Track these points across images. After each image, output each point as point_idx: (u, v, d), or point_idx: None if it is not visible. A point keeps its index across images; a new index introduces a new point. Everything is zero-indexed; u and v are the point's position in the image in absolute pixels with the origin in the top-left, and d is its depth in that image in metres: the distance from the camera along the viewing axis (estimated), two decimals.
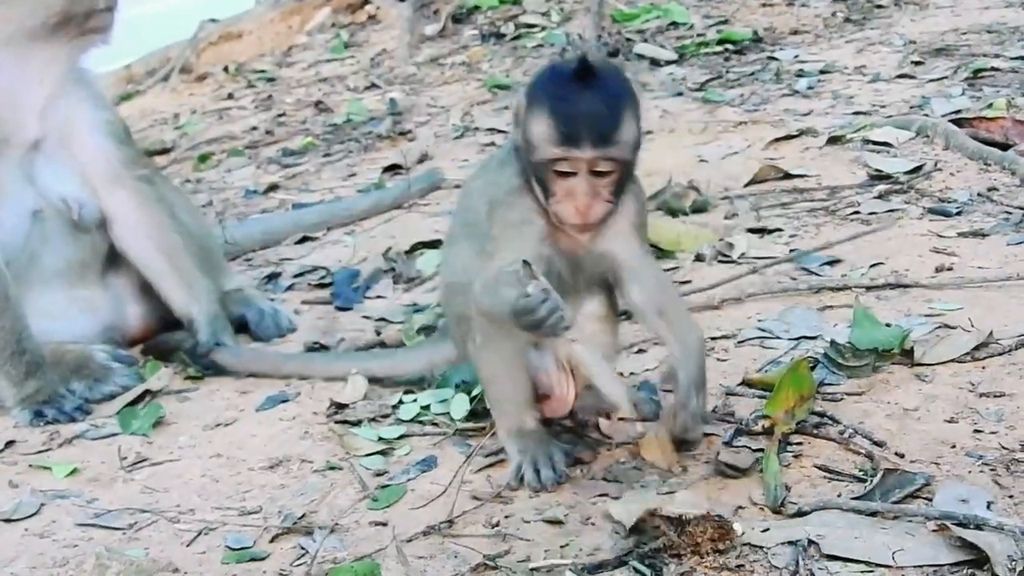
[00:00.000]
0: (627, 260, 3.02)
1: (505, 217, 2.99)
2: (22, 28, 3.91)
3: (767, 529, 2.66)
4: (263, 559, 2.84)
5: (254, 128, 7.98)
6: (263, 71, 9.76)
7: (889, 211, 4.57)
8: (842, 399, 3.22)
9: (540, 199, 2.93)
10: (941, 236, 4.27)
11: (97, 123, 4.10)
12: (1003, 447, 2.91)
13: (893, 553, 2.51)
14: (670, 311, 3.04)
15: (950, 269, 3.99)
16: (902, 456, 2.91)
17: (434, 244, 4.78)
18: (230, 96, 9.27)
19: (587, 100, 2.81)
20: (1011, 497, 2.70)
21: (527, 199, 2.97)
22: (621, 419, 3.15)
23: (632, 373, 3.54)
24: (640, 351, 3.72)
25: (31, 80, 3.98)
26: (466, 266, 3.14)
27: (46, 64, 3.99)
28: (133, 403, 3.79)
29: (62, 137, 4.04)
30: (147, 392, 3.85)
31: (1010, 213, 4.41)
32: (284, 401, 3.72)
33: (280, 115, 8.25)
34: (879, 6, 8.48)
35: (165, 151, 7.74)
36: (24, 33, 3.92)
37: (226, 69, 10.05)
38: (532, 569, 2.64)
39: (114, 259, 4.20)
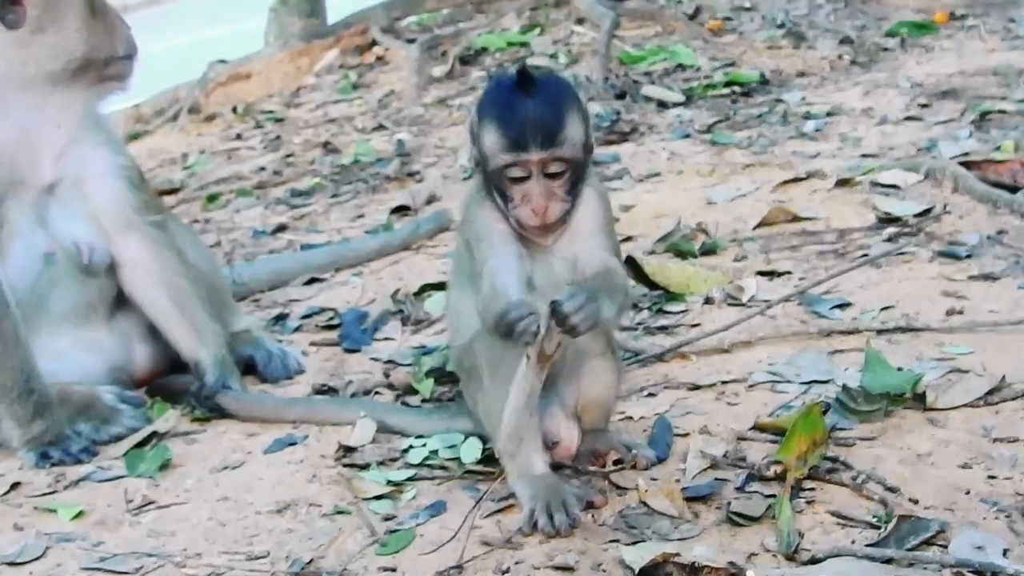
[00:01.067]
0: (588, 259, 3.08)
1: (477, 232, 3.09)
2: (41, 72, 3.91)
3: None
4: None
5: (262, 168, 7.98)
6: (271, 112, 9.78)
7: (899, 254, 4.54)
8: (854, 444, 3.19)
9: (501, 207, 3.04)
10: (951, 279, 4.25)
11: (113, 168, 4.08)
12: (1018, 493, 2.88)
13: None
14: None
15: (961, 312, 3.96)
16: (916, 502, 2.88)
17: (442, 286, 4.73)
18: (238, 136, 9.29)
19: (530, 105, 2.96)
20: None
21: (491, 210, 3.08)
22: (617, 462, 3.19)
23: (642, 417, 3.50)
24: (650, 395, 3.69)
25: (48, 124, 3.97)
26: (466, 318, 3.19)
27: (64, 108, 3.98)
28: (140, 445, 3.75)
29: (77, 181, 4.02)
30: (154, 434, 3.82)
31: (1020, 256, 4.39)
32: (292, 444, 3.68)
33: (288, 155, 8.25)
34: (885, 49, 8.49)
35: (173, 191, 7.74)
36: (43, 77, 3.92)
37: (235, 109, 10.07)
38: None
39: (121, 300, 4.18)
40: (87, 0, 3.94)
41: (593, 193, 3.13)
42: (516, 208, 3.00)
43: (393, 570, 2.89)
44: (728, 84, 8.04)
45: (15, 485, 3.59)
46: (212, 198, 7.35)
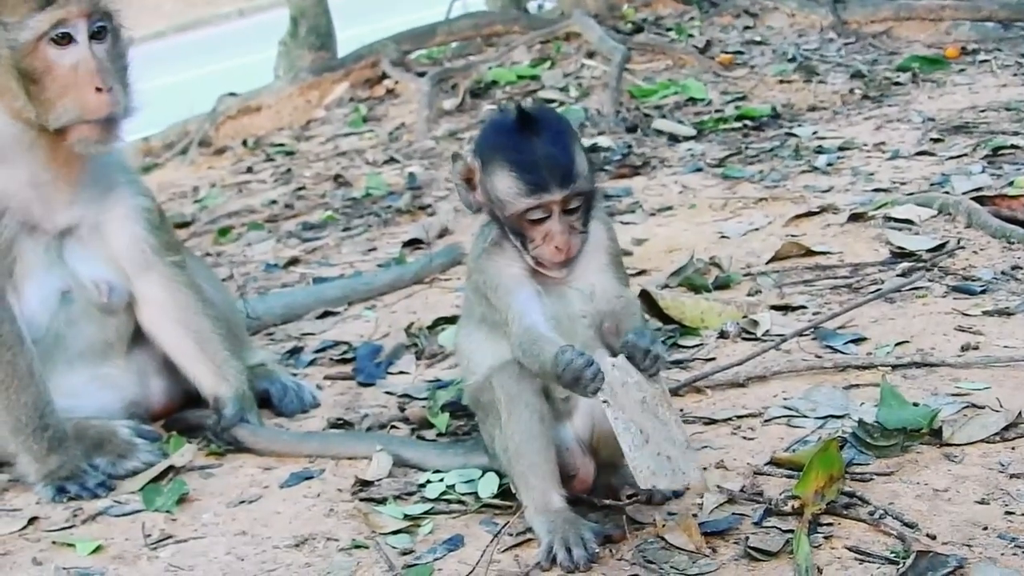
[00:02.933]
0: (603, 291, 3.14)
1: (491, 281, 3.12)
2: (36, 126, 3.87)
3: None
4: None
5: (273, 202, 8.02)
6: (282, 145, 9.83)
7: (913, 288, 4.56)
8: (871, 479, 3.21)
9: (518, 248, 3.08)
10: (966, 314, 4.26)
11: (132, 211, 4.09)
12: None
13: None
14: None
15: (976, 348, 3.98)
16: (934, 538, 2.90)
17: (455, 320, 4.76)
18: (249, 170, 9.34)
19: (540, 146, 3.00)
20: None
21: (501, 255, 3.12)
22: (632, 496, 3.21)
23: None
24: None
25: (58, 172, 3.95)
26: (479, 356, 3.23)
27: (71, 157, 3.94)
28: (156, 479, 3.78)
29: (96, 224, 4.04)
30: (170, 468, 3.85)
31: None
32: (308, 478, 3.71)
33: (299, 189, 8.29)
34: (896, 83, 8.52)
35: (185, 224, 7.79)
36: (40, 130, 3.88)
37: (245, 143, 10.13)
38: None
39: (138, 334, 4.20)
40: (18, 71, 3.78)
41: (599, 224, 3.18)
42: (537, 248, 3.04)
43: None
44: (739, 118, 8.08)
45: (33, 520, 3.61)
46: (224, 232, 7.39)
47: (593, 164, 3.12)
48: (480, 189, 3.12)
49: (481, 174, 3.09)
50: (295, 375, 4.57)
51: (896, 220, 5.33)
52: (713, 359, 4.23)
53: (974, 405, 3.55)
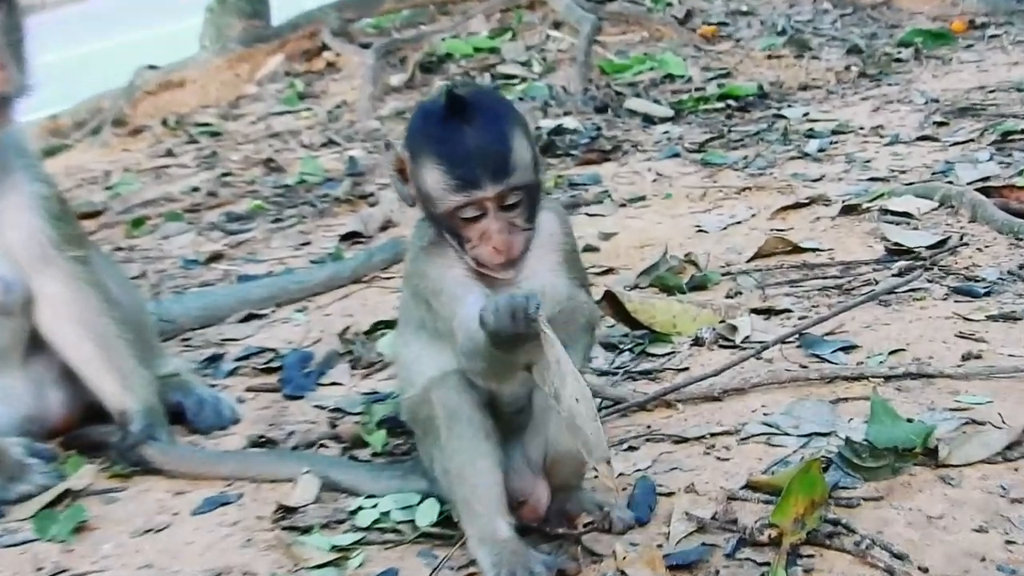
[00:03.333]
0: (552, 292, 3.08)
1: (431, 286, 3.10)
2: None
3: None
4: None
5: (195, 189, 8.00)
6: (207, 124, 9.81)
7: (910, 290, 4.58)
8: (858, 505, 3.21)
9: (455, 248, 3.04)
10: (968, 319, 4.28)
11: (30, 199, 4.06)
12: None
13: None
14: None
15: (978, 357, 3.99)
16: (926, 571, 2.90)
17: (396, 324, 4.77)
18: (169, 152, 9.30)
19: (471, 135, 2.95)
20: None
21: (441, 256, 3.09)
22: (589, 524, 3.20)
23: (621, 474, 3.52)
24: (630, 448, 3.71)
25: None
26: (417, 367, 3.22)
27: None
28: (52, 504, 3.73)
29: None
30: (68, 492, 3.80)
31: None
32: (225, 503, 3.68)
33: (225, 175, 8.27)
34: (897, 60, 8.58)
35: (94, 214, 7.72)
36: None
37: (165, 122, 10.09)
38: None
39: (35, 341, 4.17)
40: None
41: (552, 216, 3.16)
42: (475, 249, 3.01)
43: None
44: (722, 97, 8.12)
45: None
46: (138, 223, 7.35)
47: (537, 152, 3.08)
48: (412, 183, 3.09)
49: (411, 165, 3.07)
50: (213, 386, 4.55)
51: (893, 213, 5.37)
52: (686, 369, 4.24)
53: (974, 421, 3.56)
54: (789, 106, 7.75)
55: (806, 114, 7.49)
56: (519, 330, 2.77)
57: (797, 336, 4.31)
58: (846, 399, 3.84)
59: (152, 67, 10.89)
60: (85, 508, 3.67)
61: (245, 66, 10.73)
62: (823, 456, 3.41)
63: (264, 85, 10.48)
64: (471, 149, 2.94)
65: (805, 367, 4.10)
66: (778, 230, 5.40)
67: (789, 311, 4.60)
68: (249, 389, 4.60)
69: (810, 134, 6.98)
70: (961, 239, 4.98)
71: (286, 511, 3.56)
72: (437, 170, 2.97)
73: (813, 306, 4.62)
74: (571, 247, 3.20)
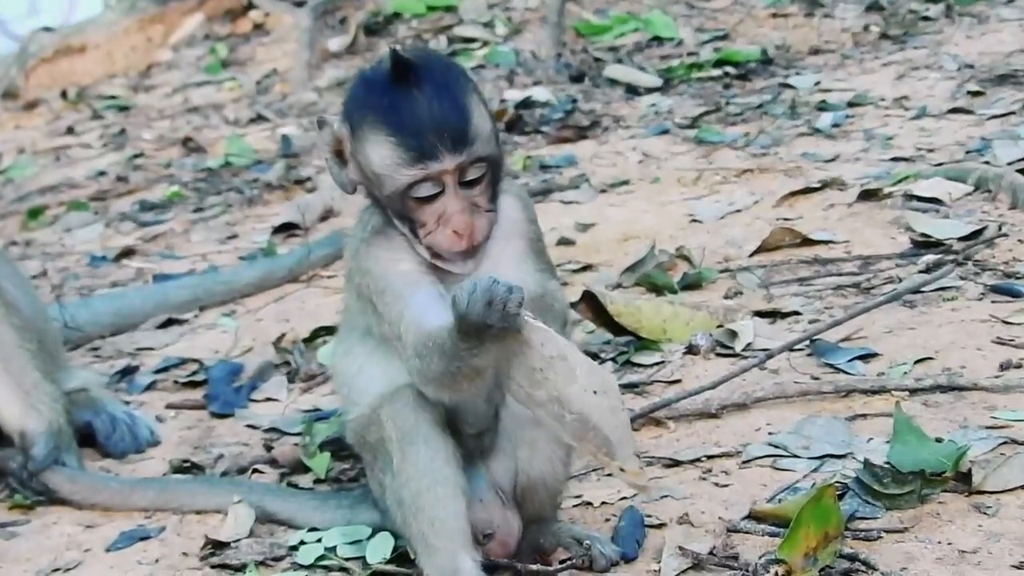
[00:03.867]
0: (524, 288, 3.01)
1: (375, 283, 3.12)
2: None
3: None
4: None
5: (102, 173, 7.99)
6: (114, 97, 9.80)
7: (939, 289, 4.60)
8: (879, 538, 3.23)
9: (407, 238, 3.08)
10: (1007, 322, 4.30)
11: None
12: None
13: None
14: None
15: (1019, 366, 4.02)
16: None
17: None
18: (70, 130, 9.29)
19: (423, 101, 2.98)
20: None
21: (386, 249, 3.12)
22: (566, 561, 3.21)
23: (604, 503, 3.55)
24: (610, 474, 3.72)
25: None
26: (363, 381, 3.25)
27: None
28: None
29: None
30: None
31: None
32: (144, 538, 3.71)
33: (136, 156, 8.27)
34: (925, 18, 8.58)
35: None
36: None
37: (64, 94, 10.08)
38: None
39: None
40: None
41: (512, 201, 3.20)
42: (431, 235, 3.03)
43: None
44: (719, 64, 8.14)
45: None
46: (34, 213, 7.35)
47: (495, 122, 3.13)
48: (352, 163, 3.12)
49: (352, 143, 3.09)
50: (127, 403, 4.58)
51: (920, 199, 5.38)
52: (678, 381, 4.26)
53: (1013, 441, 3.58)
54: (798, 73, 7.76)
55: (817, 83, 7.49)
56: (491, 320, 2.78)
57: (808, 343, 4.34)
58: (864, 416, 3.86)
59: (47, 29, 10.87)
60: None
61: (157, 28, 10.72)
62: (838, 482, 3.42)
63: (180, 51, 10.47)
64: (425, 116, 2.97)
65: (817, 379, 4.12)
66: (785, 219, 5.41)
67: (798, 314, 4.62)
68: (170, 406, 4.63)
69: (822, 106, 6.99)
70: (999, 229, 4.98)
71: (215, 546, 3.58)
72: (386, 143, 3.00)
73: (826, 308, 4.64)
74: (536, 234, 3.23)
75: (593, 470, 3.73)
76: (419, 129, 2.97)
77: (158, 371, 4.91)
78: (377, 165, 3.03)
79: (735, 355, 4.37)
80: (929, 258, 4.87)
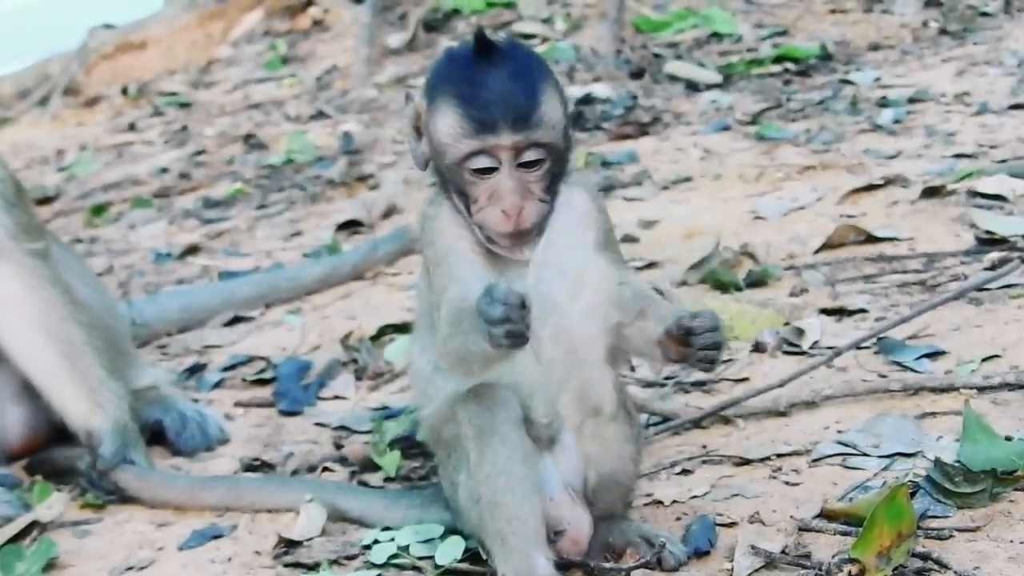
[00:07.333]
0: (601, 279, 3.12)
1: (436, 253, 3.15)
2: None
3: None
4: None
5: (164, 170, 8.02)
6: (175, 94, 9.83)
7: (1005, 286, 4.59)
8: (951, 536, 3.22)
9: (463, 215, 3.10)
10: None
11: None
12: None
13: None
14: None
15: None
16: None
17: (407, 328, 4.75)
18: (131, 127, 9.33)
19: (495, 77, 3.02)
20: None
21: (451, 222, 3.15)
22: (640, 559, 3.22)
23: (675, 501, 3.54)
24: (684, 471, 3.73)
25: None
26: (439, 377, 3.23)
27: None
28: (17, 538, 3.78)
29: None
30: (34, 524, 3.85)
31: None
32: (217, 536, 3.72)
33: (198, 153, 8.29)
34: (984, 14, 8.55)
35: (46, 200, 7.76)
36: None
37: (125, 91, 10.12)
38: None
39: None
40: None
41: (582, 193, 3.21)
42: (481, 211, 3.06)
43: None
44: (779, 60, 8.13)
45: None
46: (98, 210, 7.38)
47: (569, 120, 3.14)
48: (425, 135, 3.15)
49: (426, 115, 3.13)
50: (196, 401, 4.59)
51: (983, 196, 5.37)
52: (746, 379, 4.26)
53: None
54: (858, 69, 7.75)
55: (878, 79, 7.48)
56: (495, 330, 2.80)
57: (875, 340, 4.33)
58: (933, 414, 3.85)
59: (108, 26, 10.90)
60: (55, 542, 3.71)
61: (218, 25, 10.75)
62: (909, 480, 3.41)
63: (240, 47, 10.50)
64: (493, 91, 3.00)
65: (885, 376, 4.12)
66: (849, 216, 5.41)
67: (864, 311, 4.61)
68: (238, 404, 4.65)
69: (883, 103, 6.98)
70: None
71: (288, 545, 3.60)
72: (453, 113, 3.03)
73: (892, 305, 4.63)
74: (608, 225, 3.24)
75: (663, 469, 3.73)
76: (485, 102, 3.00)
77: (226, 368, 4.93)
78: (443, 133, 3.06)
79: (802, 353, 4.36)
80: (994, 255, 4.86)
